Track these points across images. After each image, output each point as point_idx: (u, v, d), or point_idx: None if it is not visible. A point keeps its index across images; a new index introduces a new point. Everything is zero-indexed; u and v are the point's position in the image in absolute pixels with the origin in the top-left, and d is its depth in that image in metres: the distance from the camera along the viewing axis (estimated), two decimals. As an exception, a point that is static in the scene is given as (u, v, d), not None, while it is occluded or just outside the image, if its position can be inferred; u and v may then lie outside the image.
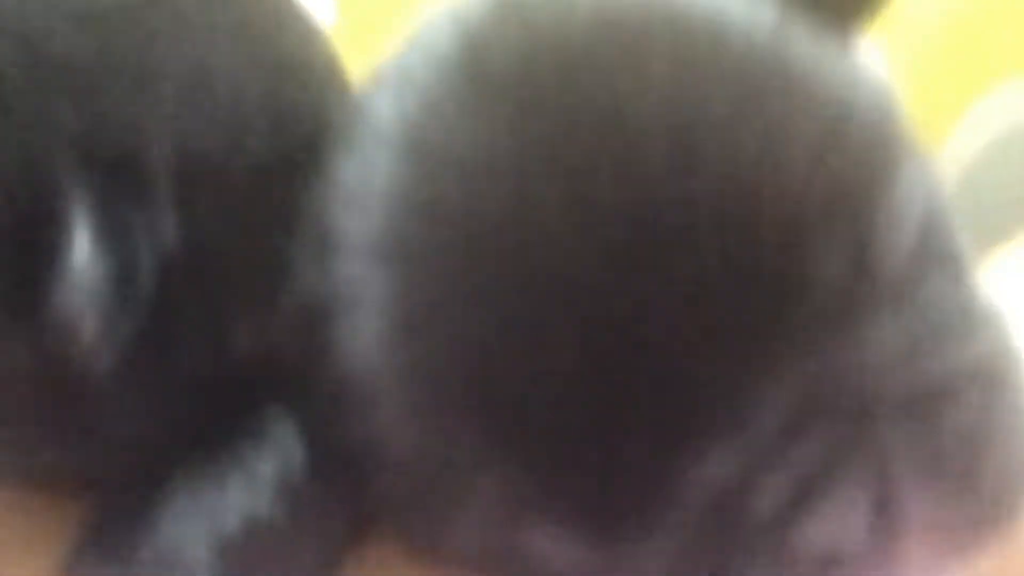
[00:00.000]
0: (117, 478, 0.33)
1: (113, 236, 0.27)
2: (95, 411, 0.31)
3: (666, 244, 0.26)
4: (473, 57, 0.29)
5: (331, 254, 0.30)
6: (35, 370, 0.29)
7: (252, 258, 0.31)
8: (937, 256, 0.30)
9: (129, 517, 0.31)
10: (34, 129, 0.28)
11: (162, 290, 0.29)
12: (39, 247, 0.27)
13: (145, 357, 0.30)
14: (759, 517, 0.26)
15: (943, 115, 0.76)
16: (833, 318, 0.26)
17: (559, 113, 0.27)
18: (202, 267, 0.30)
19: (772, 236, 0.26)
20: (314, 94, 0.33)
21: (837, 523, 0.26)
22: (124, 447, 0.31)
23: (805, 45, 0.28)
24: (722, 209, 0.26)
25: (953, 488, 0.27)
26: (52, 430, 0.32)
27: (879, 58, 0.32)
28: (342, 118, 0.32)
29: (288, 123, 0.32)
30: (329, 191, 0.31)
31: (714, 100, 0.27)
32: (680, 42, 0.27)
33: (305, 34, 0.34)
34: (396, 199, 0.29)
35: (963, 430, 0.27)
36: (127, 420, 0.31)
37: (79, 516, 0.33)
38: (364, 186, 0.30)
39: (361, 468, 0.31)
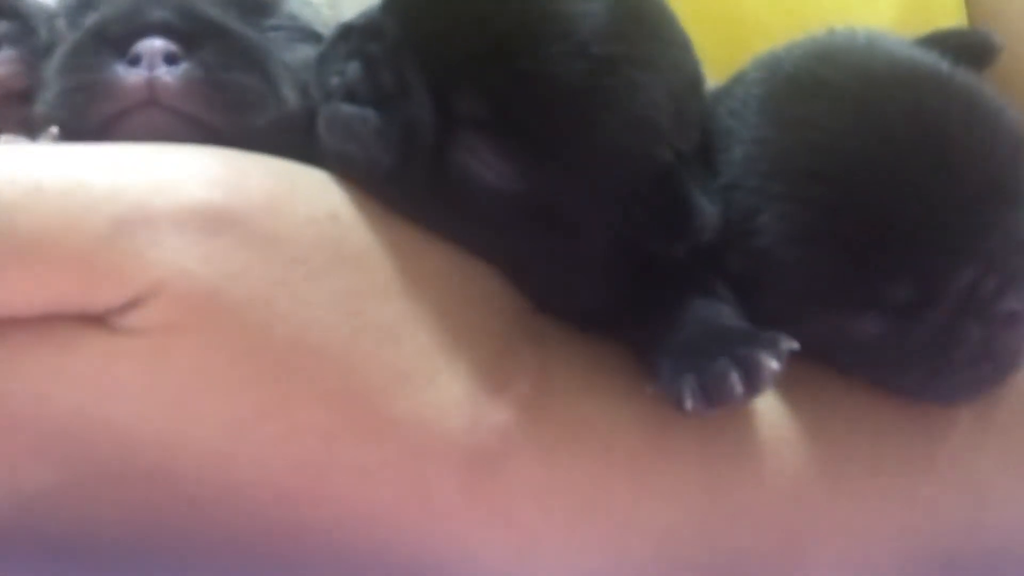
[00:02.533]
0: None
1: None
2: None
3: (937, 167, 0.53)
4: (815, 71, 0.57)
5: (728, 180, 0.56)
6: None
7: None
8: None
9: None
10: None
11: None
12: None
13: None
14: (984, 295, 0.54)
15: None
16: (1010, 205, 0.54)
17: (885, 105, 0.54)
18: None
19: (996, 166, 0.54)
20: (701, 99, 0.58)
21: (1016, 299, 0.54)
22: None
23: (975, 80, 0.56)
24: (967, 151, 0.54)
25: None
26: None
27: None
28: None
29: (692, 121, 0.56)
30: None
31: (954, 109, 0.55)
32: (928, 74, 0.56)
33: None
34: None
35: None
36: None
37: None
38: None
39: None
